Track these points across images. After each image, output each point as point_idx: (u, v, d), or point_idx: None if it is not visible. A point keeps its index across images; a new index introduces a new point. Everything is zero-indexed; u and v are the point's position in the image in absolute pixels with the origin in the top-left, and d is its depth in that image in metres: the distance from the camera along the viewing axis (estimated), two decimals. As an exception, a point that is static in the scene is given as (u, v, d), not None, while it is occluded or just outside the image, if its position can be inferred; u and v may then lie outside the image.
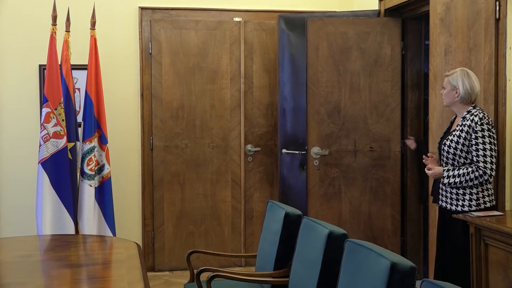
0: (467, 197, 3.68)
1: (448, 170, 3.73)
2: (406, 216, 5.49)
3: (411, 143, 4.99)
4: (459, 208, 3.69)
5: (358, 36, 5.36)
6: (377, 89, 5.38)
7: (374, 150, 5.38)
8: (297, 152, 5.64)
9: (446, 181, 3.74)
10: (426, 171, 3.92)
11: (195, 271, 3.68)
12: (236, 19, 5.94)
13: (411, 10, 5.26)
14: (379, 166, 5.39)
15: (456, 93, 3.73)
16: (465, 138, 3.64)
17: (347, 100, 5.34)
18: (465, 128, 3.65)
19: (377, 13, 5.52)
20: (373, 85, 5.38)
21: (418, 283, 2.31)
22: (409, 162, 5.47)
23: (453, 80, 3.75)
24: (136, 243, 3.92)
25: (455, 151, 3.68)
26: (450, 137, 3.73)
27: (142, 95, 5.76)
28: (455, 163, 3.71)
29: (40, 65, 5.50)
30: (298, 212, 3.73)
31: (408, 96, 5.49)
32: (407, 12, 5.35)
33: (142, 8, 5.76)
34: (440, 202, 3.85)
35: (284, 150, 5.72)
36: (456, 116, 3.87)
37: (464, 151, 3.66)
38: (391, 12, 5.46)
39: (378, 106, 5.38)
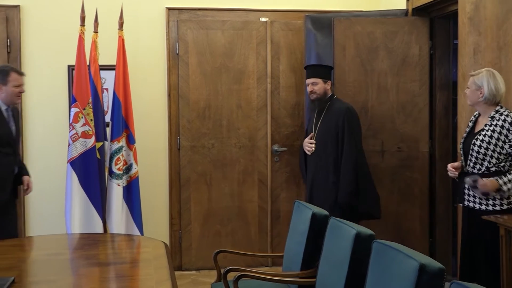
0: (498, 195, 3.63)
1: (497, 179, 3.63)
2: (434, 217, 5.44)
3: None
4: (490, 208, 3.64)
5: (385, 35, 5.32)
6: (405, 89, 5.34)
7: (402, 151, 5.34)
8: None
9: (505, 188, 3.59)
10: (479, 186, 3.65)
11: (222, 270, 3.69)
12: (263, 19, 5.94)
13: (439, 9, 5.21)
14: (406, 166, 5.35)
15: (481, 93, 3.69)
16: (497, 139, 3.59)
17: (374, 100, 5.31)
18: (497, 129, 3.60)
19: (405, 12, 5.47)
20: (400, 85, 5.34)
21: (447, 285, 2.29)
22: (437, 163, 5.42)
23: (478, 80, 3.71)
24: (164, 242, 3.93)
25: (486, 151, 3.63)
26: (480, 137, 3.67)
27: (169, 95, 5.79)
28: (485, 163, 3.65)
29: (69, 66, 5.56)
30: (325, 212, 3.72)
31: (436, 96, 5.44)
32: (435, 11, 5.30)
33: (169, 9, 5.79)
34: (466, 203, 3.80)
35: (310, 150, 5.69)
36: (478, 115, 3.83)
37: (496, 151, 3.61)
38: (419, 11, 5.40)
39: (406, 106, 5.33)
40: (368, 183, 4.76)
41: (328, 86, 4.87)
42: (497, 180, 3.59)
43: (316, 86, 4.84)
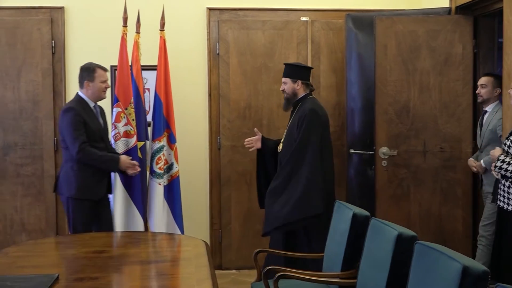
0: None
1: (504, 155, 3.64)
2: (478, 219, 5.34)
3: None
4: None
5: (427, 34, 5.25)
6: (448, 88, 5.26)
7: (445, 151, 5.26)
8: (364, 152, 5.58)
9: (498, 163, 3.70)
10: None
11: (262, 270, 3.69)
12: (303, 18, 5.92)
13: (484, 7, 5.11)
14: (449, 167, 5.26)
15: None
16: None
17: (416, 99, 5.24)
18: None
19: (448, 11, 5.39)
20: (443, 85, 5.26)
21: (491, 288, 2.25)
22: (481, 163, 5.32)
23: None
24: (204, 241, 3.96)
25: None
26: None
27: (209, 95, 5.82)
28: None
29: (111, 66, 5.64)
30: (366, 213, 3.69)
31: (480, 95, 5.35)
32: (479, 9, 5.20)
33: (210, 9, 5.82)
34: (498, 202, 3.74)
35: (351, 150, 5.67)
36: None
37: None
38: (462, 9, 5.31)
39: (449, 106, 5.25)
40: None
41: (297, 86, 4.77)
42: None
43: (286, 85, 4.81)
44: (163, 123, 5.30)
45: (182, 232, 5.30)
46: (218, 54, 5.83)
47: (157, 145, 5.25)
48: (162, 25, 5.36)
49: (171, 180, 5.33)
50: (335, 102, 5.97)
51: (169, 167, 5.34)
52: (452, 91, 5.26)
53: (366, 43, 5.54)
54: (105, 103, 5.62)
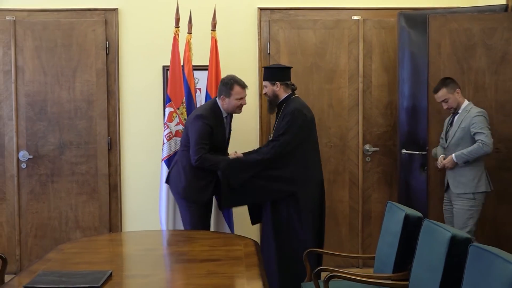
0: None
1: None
2: (535, 221, 5.21)
3: None
4: None
5: (483, 32, 5.14)
6: (504, 87, 5.14)
7: (500, 151, 5.14)
8: (417, 152, 5.50)
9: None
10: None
11: (312, 270, 3.68)
12: (355, 17, 5.87)
13: (542, 3, 4.98)
14: (505, 168, 5.14)
15: None
16: None
17: (471, 99, 5.13)
18: None
19: (504, 8, 5.26)
20: (499, 84, 5.14)
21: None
22: (538, 164, 5.19)
23: None
24: (254, 241, 3.97)
25: None
26: None
27: (260, 95, 5.82)
28: None
29: (163, 66, 5.70)
30: (419, 214, 3.64)
31: (537, 95, 5.20)
32: (537, 5, 5.07)
33: (261, 9, 5.82)
34: None
35: (403, 150, 5.59)
36: None
37: None
38: (520, 6, 5.19)
39: (505, 105, 5.13)
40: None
41: (277, 88, 4.76)
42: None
43: (266, 89, 4.82)
44: (214, 123, 5.32)
45: (233, 231, 5.32)
46: (269, 54, 5.83)
47: (207, 144, 5.27)
48: (214, 25, 5.40)
49: (222, 180, 5.35)
50: (387, 102, 5.90)
51: (220, 166, 5.36)
52: (508, 90, 5.13)
53: (419, 41, 5.47)
54: (158, 103, 5.72)
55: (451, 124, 4.89)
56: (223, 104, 4.74)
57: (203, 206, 4.75)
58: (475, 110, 4.75)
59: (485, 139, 4.60)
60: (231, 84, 4.70)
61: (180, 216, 4.87)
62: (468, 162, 4.70)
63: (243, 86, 4.74)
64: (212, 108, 4.75)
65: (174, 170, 4.83)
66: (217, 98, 4.80)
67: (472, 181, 4.70)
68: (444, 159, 4.83)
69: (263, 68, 4.94)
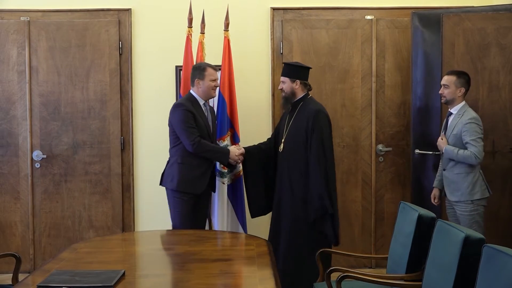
0: None
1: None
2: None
3: None
4: None
5: (497, 31, 5.11)
6: (518, 87, 5.11)
7: (515, 152, 5.11)
8: (430, 152, 5.47)
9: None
10: None
11: (325, 270, 3.67)
12: (368, 17, 5.85)
13: (557, 2, 4.94)
14: (520, 168, 5.11)
15: None
16: None
17: (485, 98, 5.11)
18: None
19: (519, 7, 5.23)
20: (514, 83, 5.11)
21: None
22: (553, 165, 5.14)
23: None
24: (267, 241, 3.97)
25: None
26: None
27: (273, 95, 5.82)
28: None
29: (176, 66, 5.72)
30: (432, 214, 3.63)
31: (552, 94, 5.16)
32: (552, 4, 5.03)
33: (273, 9, 5.82)
34: None
35: (417, 151, 5.56)
36: None
37: None
38: (535, 5, 5.15)
39: (520, 105, 5.10)
40: (335, 201, 4.68)
41: (296, 85, 4.79)
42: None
43: (284, 85, 4.83)
44: (227, 123, 5.33)
45: (245, 231, 5.32)
46: (281, 53, 5.83)
47: (221, 144, 5.29)
48: (226, 25, 5.41)
49: (235, 179, 5.36)
50: (400, 101, 5.88)
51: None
52: (523, 90, 5.10)
53: (432, 41, 5.44)
54: (170, 103, 5.72)
55: (445, 128, 4.82)
56: (198, 89, 4.80)
57: (195, 198, 4.73)
58: (468, 115, 4.61)
59: (477, 154, 4.49)
60: (203, 67, 4.83)
61: (170, 212, 4.82)
62: (454, 161, 4.65)
63: (215, 68, 4.86)
64: (188, 98, 4.83)
65: (167, 168, 4.84)
66: (191, 87, 4.87)
67: (466, 188, 4.60)
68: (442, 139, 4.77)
69: (283, 64, 4.95)
